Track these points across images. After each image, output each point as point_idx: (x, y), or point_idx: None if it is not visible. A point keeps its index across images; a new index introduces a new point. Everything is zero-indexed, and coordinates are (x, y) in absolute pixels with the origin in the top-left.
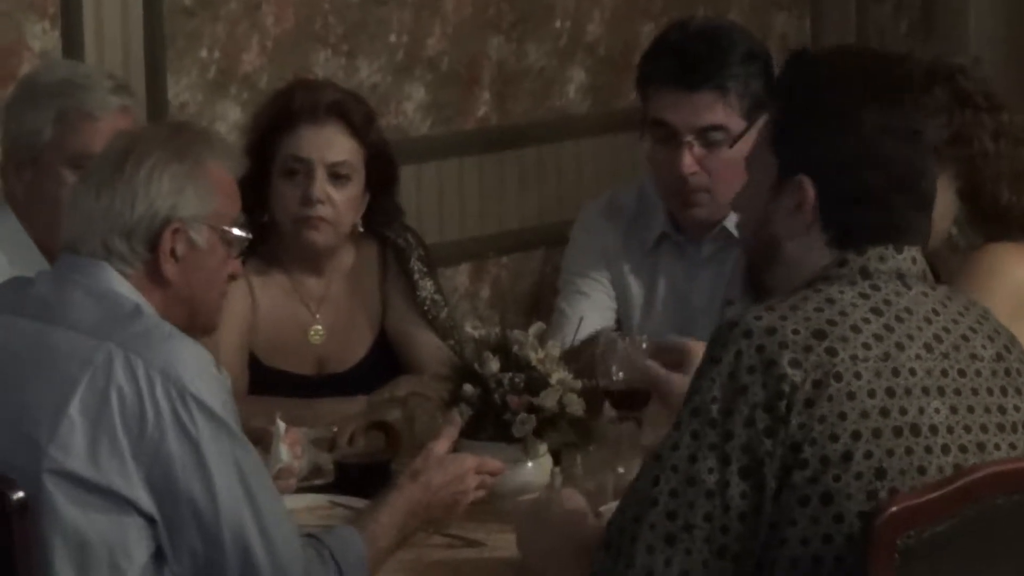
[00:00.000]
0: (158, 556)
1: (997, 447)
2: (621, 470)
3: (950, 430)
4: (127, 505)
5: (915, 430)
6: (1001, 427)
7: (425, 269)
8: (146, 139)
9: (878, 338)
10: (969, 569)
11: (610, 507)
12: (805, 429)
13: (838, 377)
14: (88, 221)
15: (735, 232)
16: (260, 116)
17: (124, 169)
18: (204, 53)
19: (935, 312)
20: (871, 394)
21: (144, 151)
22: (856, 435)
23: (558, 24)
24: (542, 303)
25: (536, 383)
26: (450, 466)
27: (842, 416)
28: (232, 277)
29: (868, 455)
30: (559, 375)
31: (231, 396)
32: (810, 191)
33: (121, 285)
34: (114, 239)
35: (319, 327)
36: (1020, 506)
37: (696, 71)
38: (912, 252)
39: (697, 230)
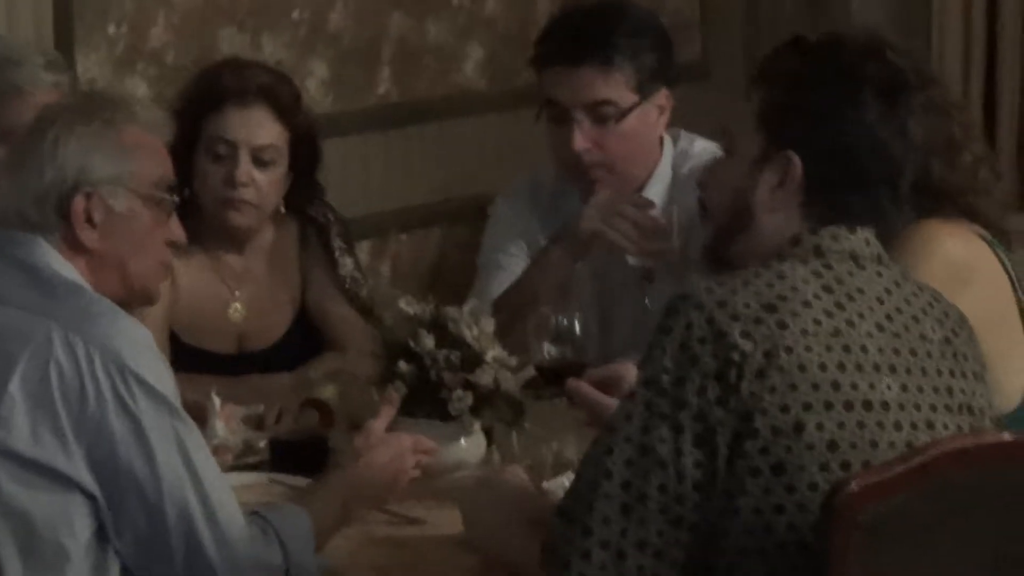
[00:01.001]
0: (101, 533)
1: (945, 426)
2: (555, 446)
3: (901, 407)
4: (69, 483)
5: (867, 405)
6: (948, 408)
7: (345, 246)
8: (56, 107)
9: (828, 314)
10: (926, 543)
11: (554, 483)
12: (755, 398)
13: (788, 350)
14: (6, 194)
15: (630, 260)
16: (187, 92)
17: (33, 140)
18: (112, 29)
19: (887, 292)
20: (822, 367)
21: (51, 118)
22: (807, 406)
23: (456, 1)
24: (441, 280)
25: (471, 360)
26: (390, 445)
27: (792, 387)
28: (172, 243)
29: (819, 427)
30: (494, 352)
31: (171, 372)
32: (798, 168)
33: (53, 258)
34: (27, 208)
35: (239, 305)
36: (975, 482)
37: (580, 46)
38: (865, 233)
39: None
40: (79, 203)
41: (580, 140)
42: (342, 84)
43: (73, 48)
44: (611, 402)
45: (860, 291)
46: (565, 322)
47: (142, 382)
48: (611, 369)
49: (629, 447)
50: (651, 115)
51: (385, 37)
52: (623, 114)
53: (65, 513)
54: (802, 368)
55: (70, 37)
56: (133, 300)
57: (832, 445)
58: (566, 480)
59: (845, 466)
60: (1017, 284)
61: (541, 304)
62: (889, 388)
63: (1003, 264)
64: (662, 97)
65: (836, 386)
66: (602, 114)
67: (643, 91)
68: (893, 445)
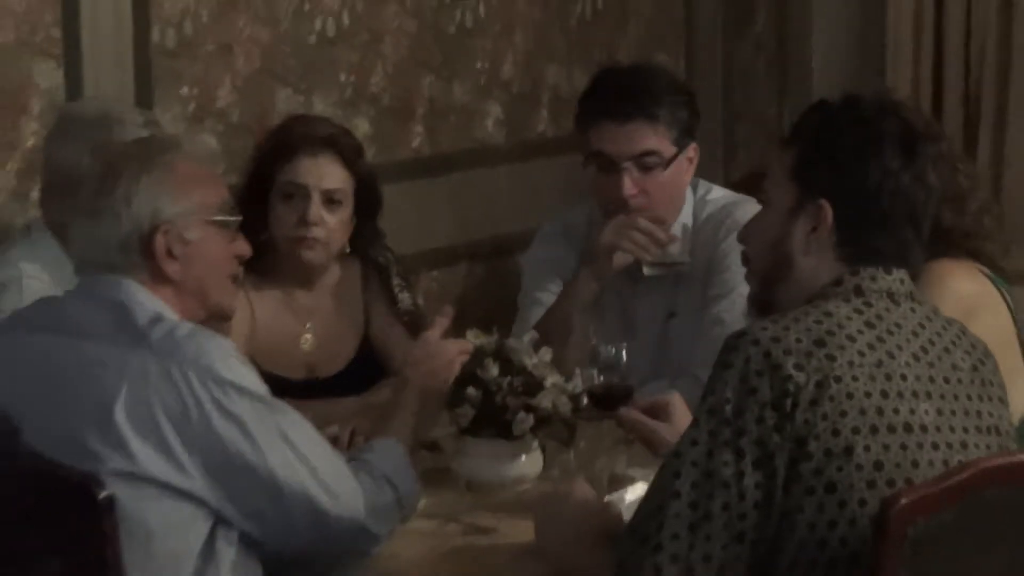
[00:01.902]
0: (211, 534)
1: (976, 446)
2: (606, 461)
3: (938, 429)
4: (182, 495)
5: (907, 428)
6: (978, 429)
7: (403, 283)
8: (116, 159)
9: (871, 347)
10: (965, 555)
11: (615, 496)
12: (809, 425)
13: (837, 380)
14: (87, 246)
15: (678, 259)
16: (262, 146)
17: (104, 192)
18: (185, 90)
19: (921, 326)
20: (867, 395)
21: (116, 171)
22: (855, 430)
23: (478, 65)
24: (467, 312)
25: (532, 386)
26: (444, 351)
27: (842, 414)
28: (240, 257)
29: (867, 448)
30: (553, 379)
31: (255, 371)
32: (829, 214)
33: (139, 294)
34: (112, 254)
35: (308, 336)
36: (1009, 498)
37: (627, 103)
38: (900, 274)
39: None
40: (159, 241)
41: (629, 187)
42: (381, 139)
43: (152, 107)
44: (659, 426)
45: (898, 326)
46: (613, 351)
47: (236, 387)
48: (657, 397)
49: (695, 471)
50: (683, 165)
51: (418, 97)
52: (666, 164)
53: (179, 521)
54: (850, 396)
55: (149, 98)
56: (212, 317)
57: (878, 465)
58: (626, 494)
59: (890, 484)
60: (1016, 316)
61: (573, 326)
62: (927, 413)
63: (1004, 299)
64: (692, 149)
65: (880, 412)
66: (647, 164)
67: (679, 143)
68: (932, 464)
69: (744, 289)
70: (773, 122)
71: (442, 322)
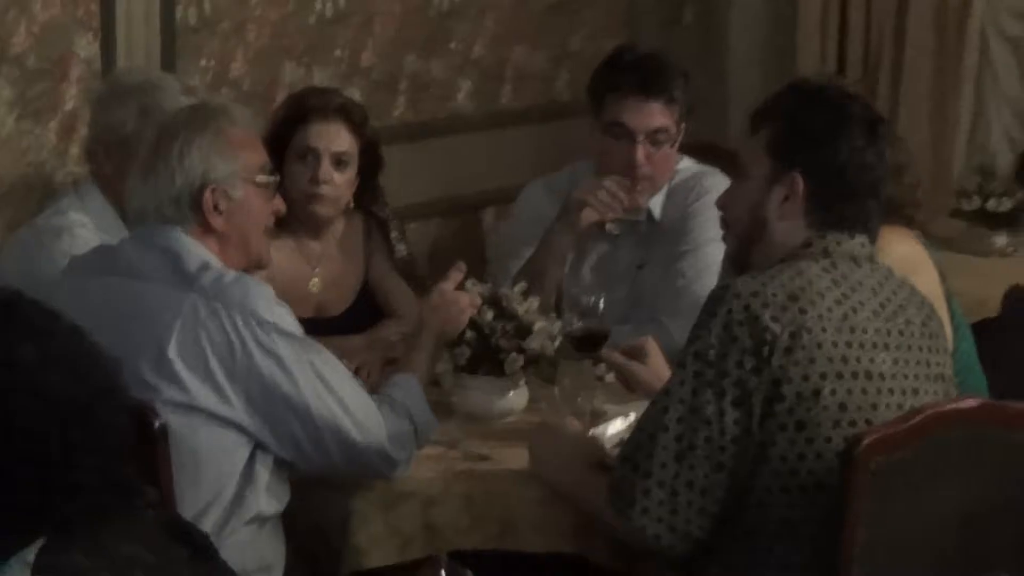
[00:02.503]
0: (251, 457)
1: (927, 392)
2: (580, 399)
3: (894, 376)
4: (228, 423)
5: (868, 375)
6: (928, 377)
7: (400, 236)
8: (171, 123)
9: (838, 303)
10: (922, 486)
11: (597, 430)
12: (783, 370)
13: (808, 331)
14: (143, 198)
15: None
16: (278, 112)
17: (160, 153)
18: (203, 62)
19: (879, 285)
20: (834, 345)
21: (172, 134)
22: (823, 376)
23: (453, 46)
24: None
25: (522, 330)
26: (458, 300)
27: (812, 361)
28: (276, 214)
29: (833, 392)
30: (540, 323)
31: (292, 314)
32: (801, 185)
33: (189, 244)
34: (165, 207)
35: (316, 280)
36: (958, 438)
37: (654, 83)
38: (862, 239)
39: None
40: (208, 197)
41: (642, 157)
42: (370, 108)
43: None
44: (636, 366)
45: (860, 284)
46: (592, 299)
47: (276, 327)
48: (634, 341)
49: (681, 407)
50: (677, 142)
51: (401, 72)
52: (673, 140)
53: (224, 447)
54: (819, 346)
55: (173, 68)
56: (251, 266)
57: (842, 407)
58: (607, 428)
59: (852, 424)
60: (943, 275)
61: (548, 276)
62: (884, 362)
63: (933, 259)
64: (682, 129)
65: (845, 360)
66: (659, 139)
67: (680, 123)
68: (889, 407)
69: (709, 248)
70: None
71: (456, 275)
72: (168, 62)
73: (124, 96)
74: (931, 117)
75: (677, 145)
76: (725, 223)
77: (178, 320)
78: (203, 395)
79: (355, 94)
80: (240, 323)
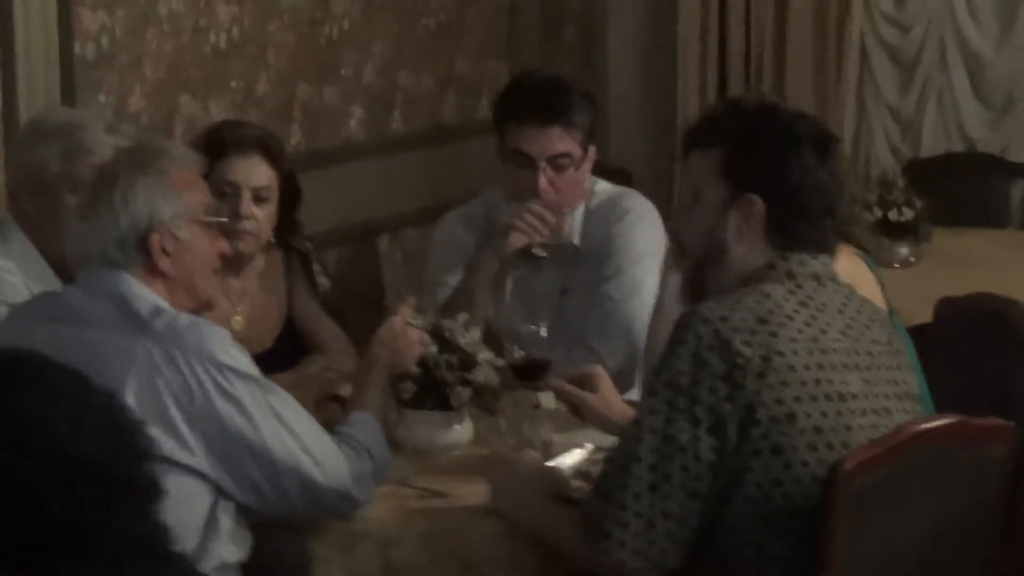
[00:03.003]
0: (213, 504)
1: (897, 411)
2: (526, 430)
3: (865, 396)
4: (189, 471)
5: (841, 397)
6: (897, 395)
7: (321, 269)
8: (113, 165)
9: (807, 324)
10: (896, 505)
11: (556, 462)
12: (757, 395)
13: (780, 354)
14: (84, 241)
15: (563, 239)
16: (194, 147)
17: (102, 196)
18: (103, 97)
19: (844, 305)
20: (806, 367)
21: (113, 175)
22: (797, 399)
23: (344, 72)
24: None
25: (466, 361)
26: (408, 335)
27: (785, 384)
28: (222, 254)
29: (807, 415)
30: (484, 355)
31: (248, 356)
32: (760, 207)
33: (137, 287)
34: (110, 250)
35: (239, 317)
36: (932, 455)
37: (549, 109)
38: (823, 258)
39: None
40: (155, 239)
41: (544, 184)
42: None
43: None
44: (587, 396)
45: (825, 305)
46: (533, 327)
47: (234, 370)
48: (582, 369)
49: (654, 437)
50: (586, 166)
51: (296, 100)
52: (577, 165)
53: (186, 495)
54: (791, 369)
55: (73, 104)
56: (199, 308)
57: (818, 430)
58: (566, 459)
59: (829, 446)
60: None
61: (476, 302)
62: (855, 382)
63: (874, 274)
64: (592, 152)
65: (818, 382)
66: (561, 164)
67: (586, 146)
68: (862, 428)
69: (635, 269)
70: None
71: (405, 309)
72: (68, 97)
73: (46, 137)
74: None
75: (586, 168)
76: (679, 248)
77: (132, 368)
78: (163, 443)
79: None
80: (198, 368)
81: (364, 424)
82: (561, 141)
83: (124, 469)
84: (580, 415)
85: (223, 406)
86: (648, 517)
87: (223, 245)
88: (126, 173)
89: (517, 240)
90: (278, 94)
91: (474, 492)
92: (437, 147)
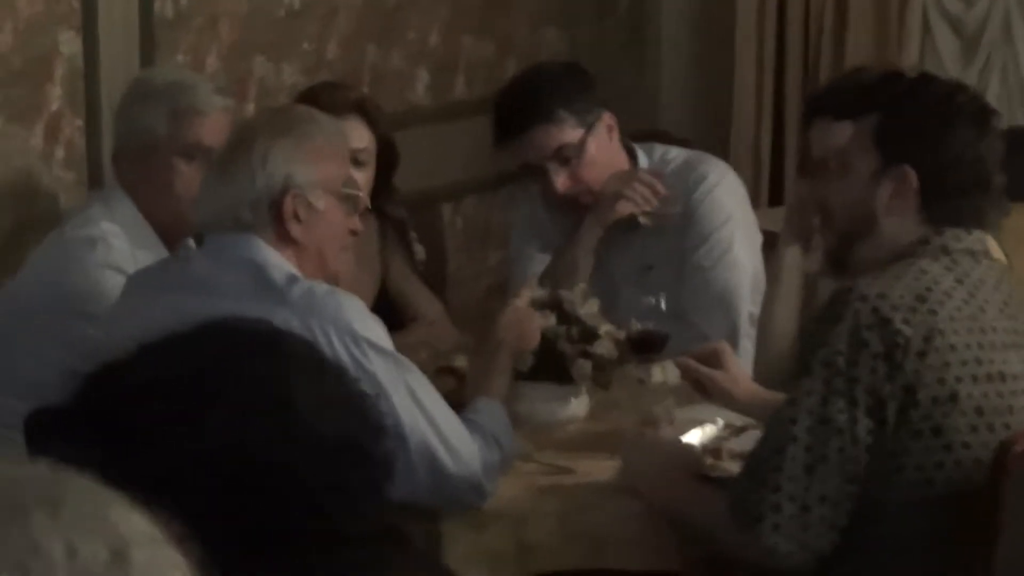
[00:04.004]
0: None
1: None
2: (655, 406)
3: None
4: None
5: (1001, 377)
6: None
7: (417, 236)
8: (255, 125)
9: (965, 302)
10: None
11: (689, 437)
12: (917, 375)
13: (941, 333)
14: (218, 201)
15: (668, 210)
16: None
17: (240, 153)
18: (180, 57)
19: (998, 282)
20: (967, 347)
21: (254, 134)
22: (958, 379)
23: (410, 35)
24: None
25: (587, 334)
26: (531, 317)
27: (946, 364)
28: (353, 232)
29: (969, 396)
30: (605, 327)
31: (385, 329)
32: (913, 179)
33: (269, 254)
34: (243, 211)
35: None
36: None
37: (519, 117)
38: (978, 234)
39: None
40: (288, 203)
41: (559, 183)
42: None
43: None
44: (715, 373)
45: (982, 282)
46: (652, 300)
47: (372, 344)
48: (709, 347)
49: (811, 418)
50: (603, 137)
51: (364, 63)
52: (580, 149)
53: None
54: (952, 348)
55: (151, 64)
56: (327, 281)
57: (979, 411)
58: (696, 435)
59: (990, 428)
60: None
61: (579, 272)
62: (1014, 362)
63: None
64: (606, 118)
65: (979, 362)
66: (564, 156)
67: (586, 123)
68: (1023, 410)
69: (721, 234)
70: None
71: (526, 291)
72: (147, 58)
73: (153, 98)
74: None
75: (601, 142)
76: (824, 218)
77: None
78: None
79: None
80: (335, 339)
81: (492, 412)
82: (550, 138)
83: (366, 447)
84: (706, 393)
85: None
86: (803, 500)
87: (356, 222)
88: (267, 132)
89: (625, 207)
90: (348, 57)
91: (600, 468)
92: None
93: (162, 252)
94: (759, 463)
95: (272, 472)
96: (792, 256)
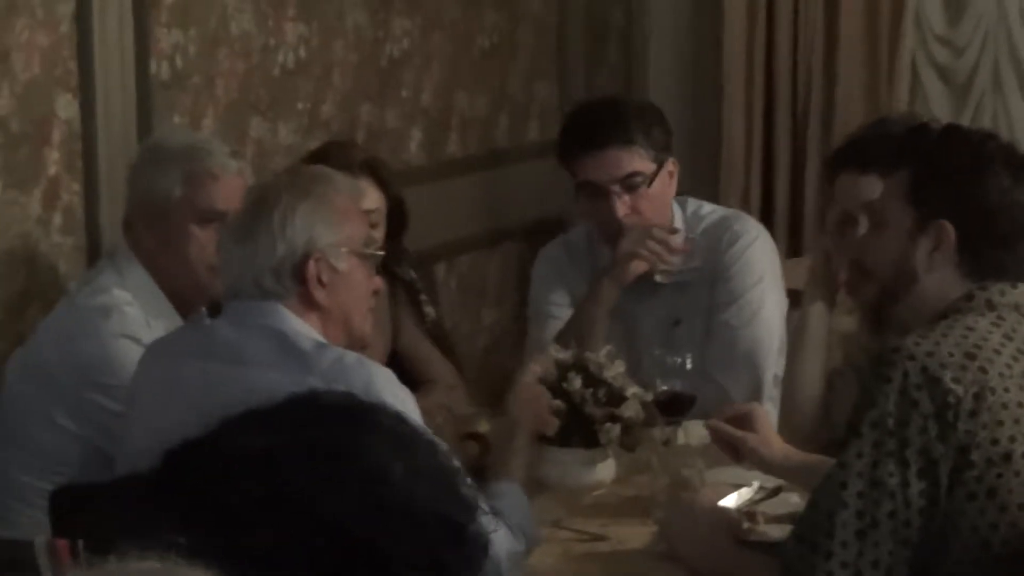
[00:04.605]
0: None
1: None
2: (685, 469)
3: None
4: None
5: None
6: None
7: (427, 298)
8: (272, 187)
9: (1015, 359)
10: None
11: (727, 500)
12: (970, 434)
13: (992, 391)
14: (240, 268)
15: (688, 266)
16: None
17: (260, 218)
18: (177, 118)
19: None
20: (1019, 404)
21: (274, 198)
22: (1012, 439)
23: (404, 94)
24: None
25: (614, 396)
26: (543, 395)
27: (999, 423)
28: (375, 292)
29: (1023, 456)
30: (632, 389)
31: (414, 400)
32: (951, 233)
33: (294, 322)
34: (265, 278)
35: None
36: None
37: (601, 134)
38: (1022, 287)
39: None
40: (311, 267)
41: (621, 208)
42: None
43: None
44: (747, 436)
45: None
46: (678, 360)
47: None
48: (739, 407)
49: (861, 481)
50: (666, 179)
51: (359, 122)
52: (649, 181)
53: None
54: (1004, 406)
55: (149, 125)
56: (353, 346)
57: None
58: (733, 499)
59: None
60: None
61: (596, 334)
62: None
63: None
64: (671, 164)
65: None
66: (632, 184)
67: (658, 160)
68: None
69: (752, 294)
70: None
71: (536, 368)
72: (144, 120)
73: (167, 162)
74: None
75: (666, 183)
76: (866, 274)
77: None
78: None
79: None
80: None
81: (515, 499)
82: (624, 161)
83: (462, 523)
84: (736, 456)
85: None
86: (856, 566)
87: (378, 282)
88: (287, 195)
89: (639, 267)
90: (343, 116)
91: (634, 534)
92: (490, 171)
93: (176, 320)
94: (810, 528)
95: (368, 548)
96: (818, 314)
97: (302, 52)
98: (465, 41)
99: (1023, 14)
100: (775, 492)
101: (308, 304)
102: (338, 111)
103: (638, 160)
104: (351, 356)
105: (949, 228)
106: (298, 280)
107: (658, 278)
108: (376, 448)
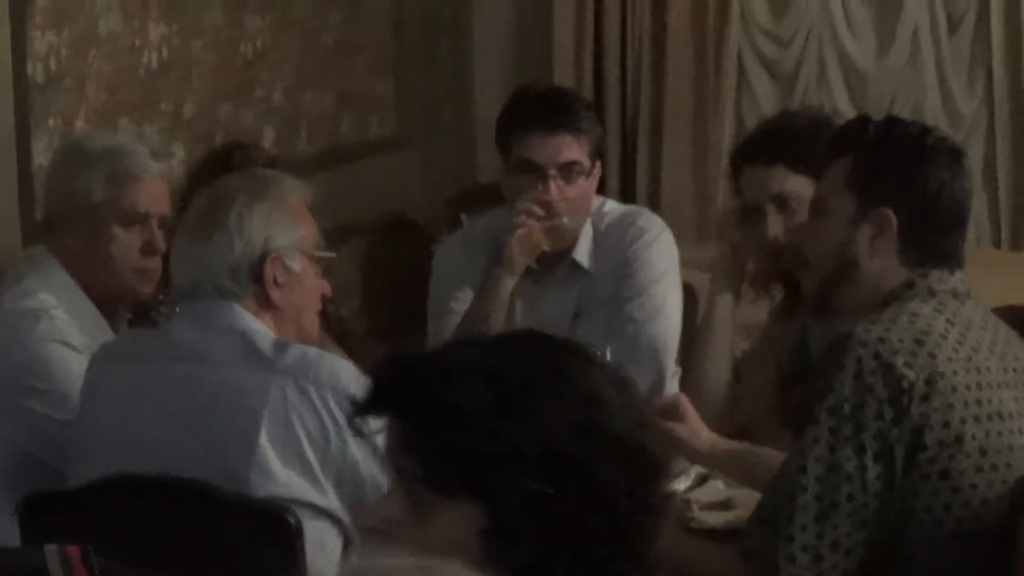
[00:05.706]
0: (345, 551)
1: None
2: None
3: (1020, 415)
4: (320, 512)
5: (1000, 416)
6: None
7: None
8: (227, 189)
9: (959, 343)
10: None
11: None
12: (923, 418)
13: (942, 375)
14: (196, 268)
15: (583, 264)
16: (198, 173)
17: (217, 218)
18: (51, 122)
19: (984, 322)
20: (967, 388)
21: (230, 199)
22: (963, 421)
23: (258, 93)
24: None
25: None
26: None
27: (950, 406)
28: (323, 295)
29: (973, 437)
30: None
31: None
32: (893, 221)
33: (252, 321)
34: (221, 278)
35: None
36: None
37: (555, 116)
38: (960, 274)
39: (550, 258)
40: (268, 268)
41: (555, 192)
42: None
43: (30, 140)
44: (675, 426)
45: (971, 322)
46: (598, 354)
47: None
48: (665, 399)
49: (819, 466)
50: (593, 180)
51: (218, 122)
52: (586, 174)
53: (320, 539)
54: (954, 390)
55: (27, 128)
56: (303, 344)
57: (983, 451)
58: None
59: (994, 468)
60: None
61: (493, 326)
62: (1009, 400)
63: None
64: (599, 168)
65: (979, 402)
66: (571, 172)
67: (593, 158)
68: (1022, 448)
69: (657, 289)
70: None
71: None
72: (22, 121)
73: (89, 164)
74: (694, 144)
75: (594, 182)
76: (806, 262)
77: (266, 407)
78: (297, 485)
79: (180, 150)
80: (332, 404)
81: None
82: (570, 148)
83: (662, 462)
84: (665, 448)
85: (356, 448)
86: (815, 549)
87: (325, 285)
88: (243, 196)
89: (529, 253)
90: (203, 116)
91: None
92: (336, 168)
93: (100, 322)
94: (770, 512)
95: (576, 468)
96: (724, 304)
97: (165, 53)
98: (312, 39)
99: (846, 7)
100: (703, 480)
101: (263, 304)
102: (198, 111)
103: (580, 151)
104: (312, 351)
105: (891, 215)
106: (255, 280)
107: (531, 264)
108: (592, 374)
